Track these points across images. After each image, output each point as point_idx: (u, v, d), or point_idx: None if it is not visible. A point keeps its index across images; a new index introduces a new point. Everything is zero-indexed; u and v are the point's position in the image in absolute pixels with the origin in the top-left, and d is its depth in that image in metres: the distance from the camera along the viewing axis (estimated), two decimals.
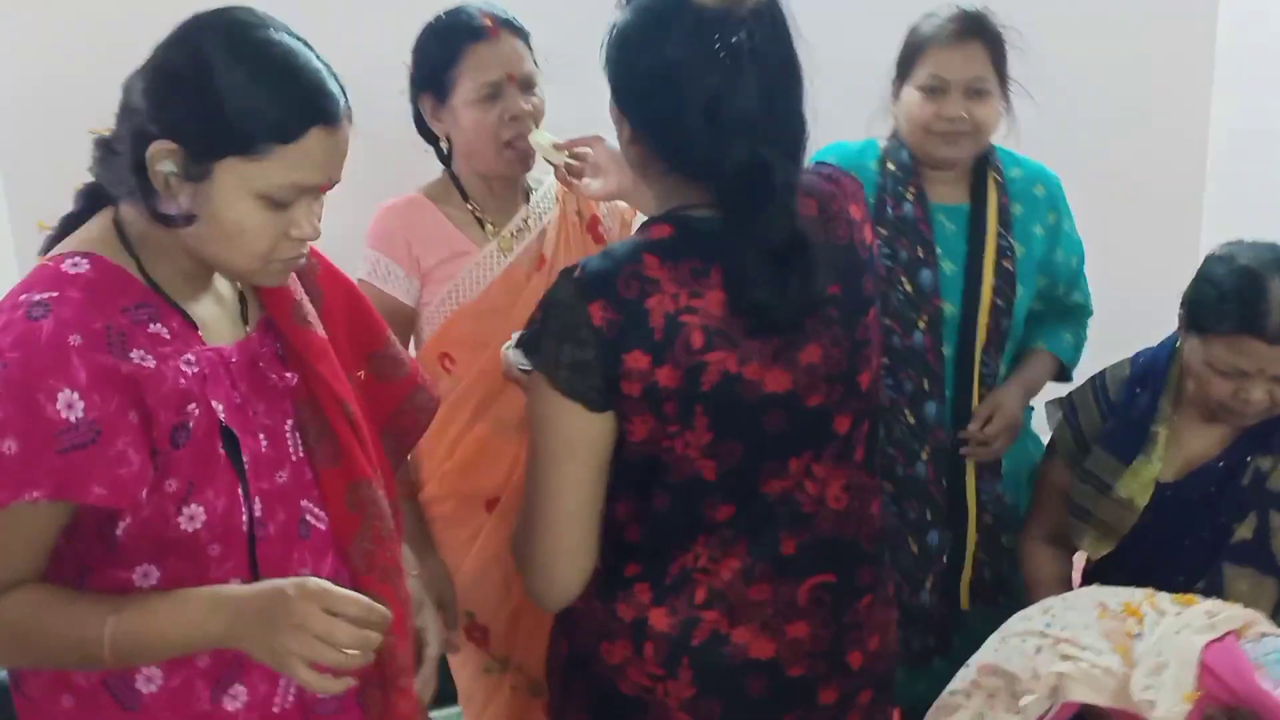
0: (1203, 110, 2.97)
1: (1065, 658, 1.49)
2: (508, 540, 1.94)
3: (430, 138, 2.03)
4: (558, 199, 2.08)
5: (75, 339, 1.13)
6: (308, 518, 1.31)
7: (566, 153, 1.91)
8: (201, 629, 1.18)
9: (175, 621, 1.17)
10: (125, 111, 1.20)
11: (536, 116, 1.95)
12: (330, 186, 1.25)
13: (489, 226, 2.02)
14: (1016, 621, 1.62)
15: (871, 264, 1.44)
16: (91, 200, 1.27)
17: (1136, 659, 1.46)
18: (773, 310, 1.30)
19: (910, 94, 2.11)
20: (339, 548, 1.33)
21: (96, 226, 1.25)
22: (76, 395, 1.11)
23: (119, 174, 1.20)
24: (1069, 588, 1.91)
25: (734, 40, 1.27)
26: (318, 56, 1.22)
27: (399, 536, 1.44)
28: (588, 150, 1.89)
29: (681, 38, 1.28)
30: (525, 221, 2.05)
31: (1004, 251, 2.13)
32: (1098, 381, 1.96)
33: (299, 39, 1.22)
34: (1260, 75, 2.85)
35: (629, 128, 1.37)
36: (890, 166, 2.16)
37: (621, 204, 2.14)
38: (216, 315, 1.30)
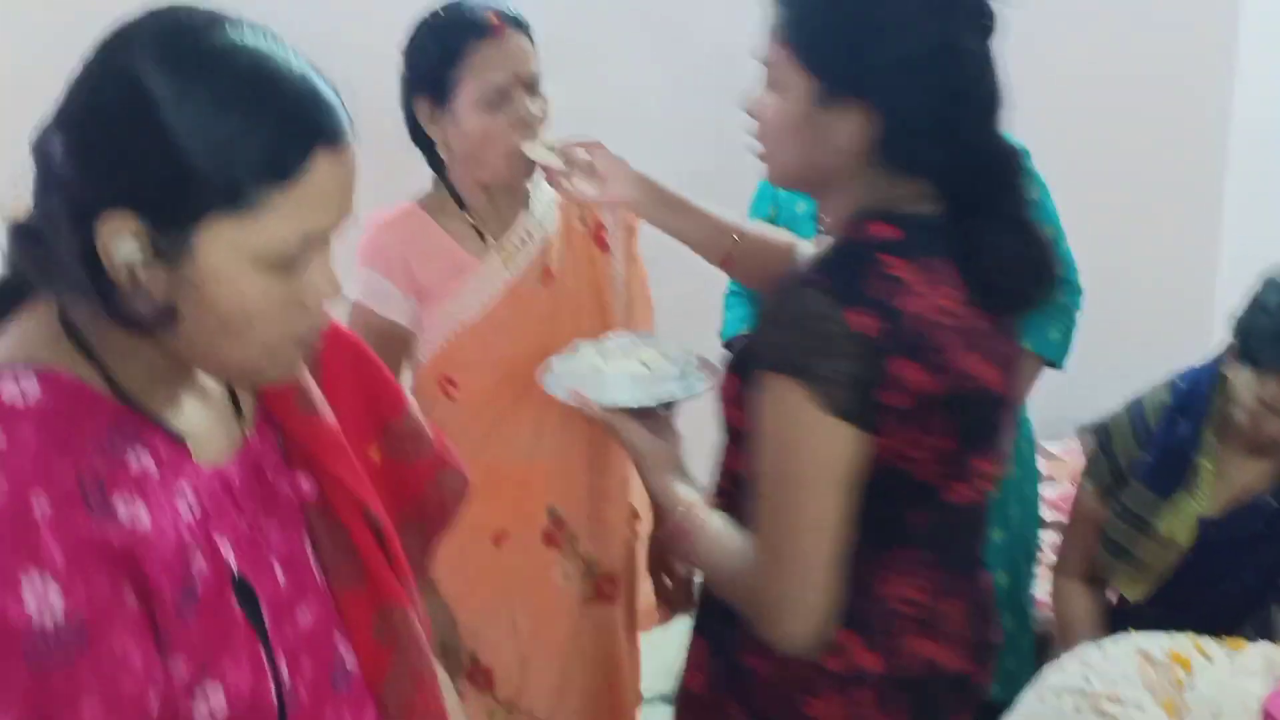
0: (1224, 103, 2.88)
1: (1105, 715, 1.41)
2: (516, 576, 1.89)
3: (423, 143, 1.88)
4: (559, 207, 1.95)
5: (41, 503, 0.81)
6: (342, 660, 1.05)
7: (558, 154, 1.76)
8: None
9: None
10: (46, 182, 0.88)
11: (545, 120, 1.81)
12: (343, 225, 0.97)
13: (489, 238, 1.88)
14: (1053, 675, 1.53)
15: None
16: (10, 293, 0.94)
17: (1187, 709, 1.39)
18: (1023, 302, 1.31)
19: None
20: (372, 693, 1.08)
21: (35, 326, 0.92)
22: (52, 583, 0.80)
23: (56, 268, 0.88)
24: (1106, 628, 1.83)
25: (997, 17, 1.25)
26: (297, 55, 0.91)
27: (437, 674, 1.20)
28: (582, 153, 1.75)
29: (965, 18, 1.23)
30: (528, 232, 1.91)
31: None
32: (1135, 409, 1.86)
33: (267, 35, 0.90)
34: None
35: (859, 115, 1.26)
36: None
37: (627, 213, 2.02)
38: (205, 421, 0.99)
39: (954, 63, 1.22)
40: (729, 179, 2.88)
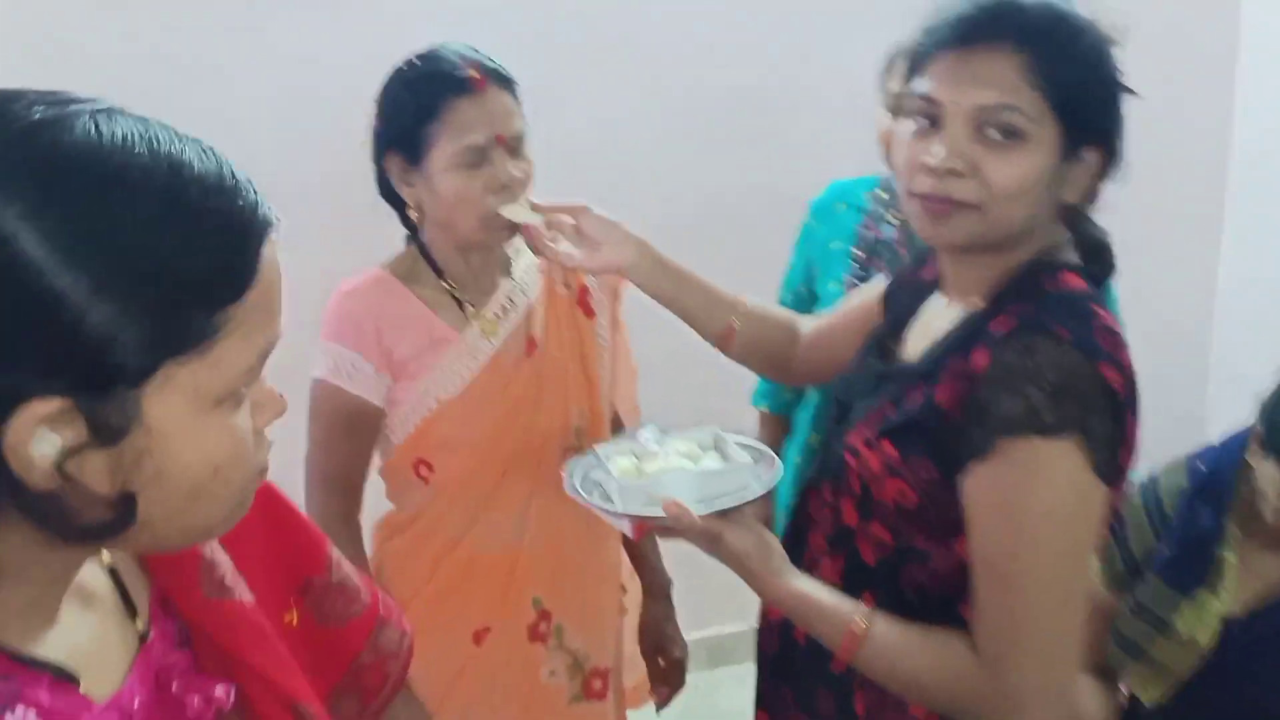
0: (1224, 132, 2.82)
1: None
2: (499, 676, 1.71)
3: (395, 202, 1.72)
4: (541, 271, 1.80)
5: None
6: None
7: (541, 215, 1.62)
8: None
9: None
10: None
11: (526, 183, 1.66)
12: None
13: (469, 307, 1.73)
14: None
15: None
16: None
17: None
18: None
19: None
20: None
21: None
22: None
23: None
24: None
25: None
26: (179, 134, 0.72)
27: None
28: (567, 218, 1.60)
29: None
30: (509, 299, 1.76)
31: None
32: (1149, 494, 1.72)
33: (146, 125, 0.70)
34: None
35: (1095, 162, 1.25)
36: (880, 192, 2.09)
37: (613, 275, 1.87)
38: (93, 634, 0.80)
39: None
40: (711, 225, 2.83)
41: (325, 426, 1.69)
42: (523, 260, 1.80)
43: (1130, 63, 1.25)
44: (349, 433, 1.69)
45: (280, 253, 0.74)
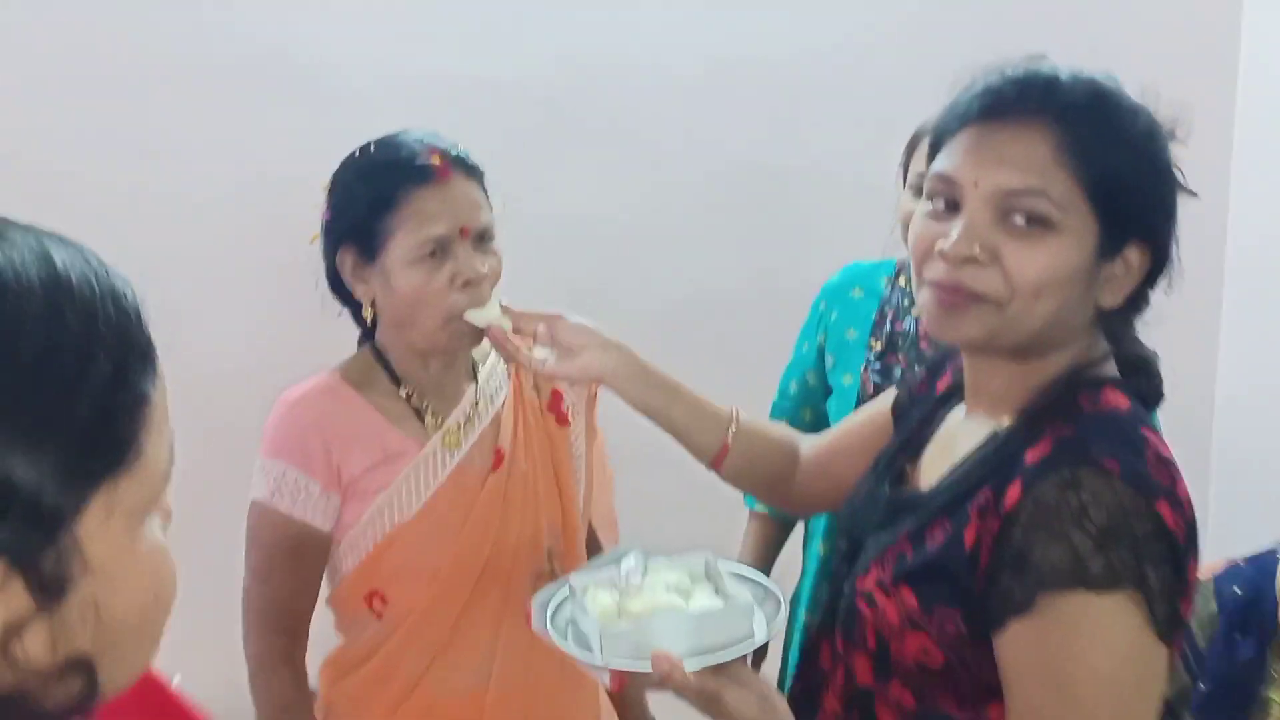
0: (1221, 194, 2.72)
1: None
2: None
3: (348, 300, 1.55)
4: (510, 374, 1.63)
5: None
6: None
7: (509, 318, 1.46)
8: None
9: None
10: None
11: (494, 279, 1.49)
12: None
13: (429, 417, 1.55)
14: None
15: None
16: None
17: None
18: None
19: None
20: None
21: None
22: None
23: None
24: None
25: None
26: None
27: None
28: (541, 326, 1.44)
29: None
30: (474, 407, 1.58)
31: None
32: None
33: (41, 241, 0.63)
34: None
35: (1138, 262, 1.09)
36: (901, 281, 1.96)
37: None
38: None
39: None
40: (705, 312, 2.66)
41: (265, 555, 1.50)
42: (489, 362, 1.63)
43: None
44: (293, 562, 1.50)
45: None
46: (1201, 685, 1.49)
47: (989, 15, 2.54)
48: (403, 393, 1.55)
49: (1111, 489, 0.97)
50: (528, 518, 1.57)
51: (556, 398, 1.66)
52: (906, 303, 1.92)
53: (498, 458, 1.57)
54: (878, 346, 1.91)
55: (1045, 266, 1.03)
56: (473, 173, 1.49)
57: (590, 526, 1.70)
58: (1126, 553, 0.96)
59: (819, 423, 1.97)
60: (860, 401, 1.87)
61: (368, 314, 1.52)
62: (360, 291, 1.50)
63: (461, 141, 1.52)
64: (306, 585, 1.52)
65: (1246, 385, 2.74)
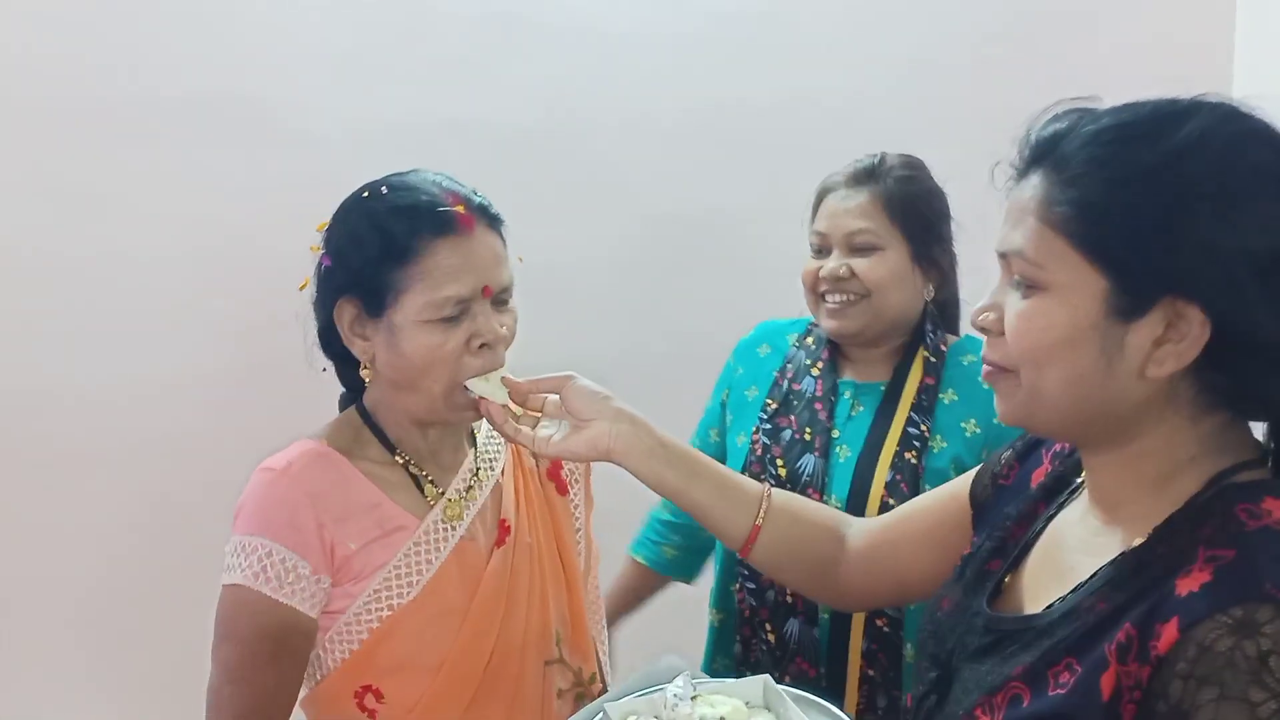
0: None
1: None
2: None
3: (340, 356, 1.39)
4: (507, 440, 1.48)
5: None
6: None
7: (508, 387, 1.33)
8: None
9: None
10: None
11: (510, 340, 1.36)
12: None
13: (429, 486, 1.39)
14: None
15: None
16: None
17: None
18: None
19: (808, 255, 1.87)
20: None
21: None
22: None
23: None
24: None
25: None
26: None
27: None
28: (553, 398, 1.32)
29: None
30: (475, 474, 1.43)
31: (909, 441, 1.75)
32: None
33: None
34: None
35: (1205, 331, 0.90)
36: (809, 340, 1.92)
37: None
38: None
39: None
40: (671, 358, 2.54)
41: (244, 648, 1.30)
42: (486, 425, 1.47)
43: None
44: (275, 655, 1.30)
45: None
46: None
47: (976, 60, 2.52)
48: (398, 459, 1.38)
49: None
50: (535, 597, 1.42)
51: (556, 464, 1.52)
52: (809, 362, 1.87)
53: (503, 530, 1.41)
54: (772, 406, 1.85)
55: (1037, 331, 0.94)
56: (495, 223, 1.34)
57: None
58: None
59: None
60: (748, 465, 1.79)
61: (366, 374, 1.36)
62: (359, 348, 1.34)
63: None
64: (288, 683, 1.33)
65: None
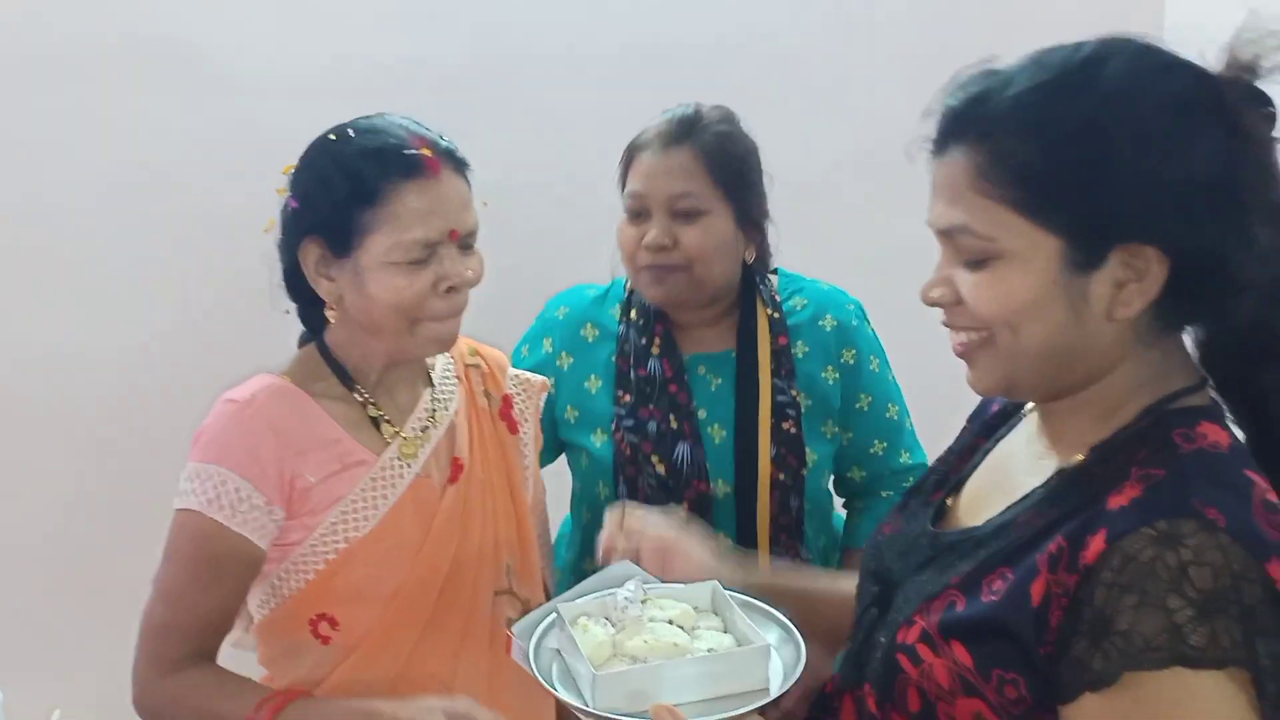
0: None
1: None
2: None
3: (303, 294, 1.42)
4: (460, 377, 1.53)
5: None
6: None
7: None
8: None
9: None
10: None
11: (477, 281, 1.40)
12: None
13: (385, 425, 1.43)
14: None
15: None
16: None
17: None
18: None
19: (622, 217, 1.74)
20: None
21: None
22: None
23: None
24: None
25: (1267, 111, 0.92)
26: None
27: None
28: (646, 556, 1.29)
29: (1247, 114, 0.91)
30: (432, 415, 1.48)
31: (782, 410, 1.72)
32: None
33: None
34: None
35: (1163, 269, 0.91)
36: (634, 314, 1.78)
37: (535, 377, 1.63)
38: None
39: (1243, 164, 0.90)
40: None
41: (185, 570, 1.34)
42: (441, 365, 1.52)
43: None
44: (215, 581, 1.35)
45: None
46: None
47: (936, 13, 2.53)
48: (359, 398, 1.42)
49: (1217, 546, 0.83)
50: (487, 531, 1.48)
51: (508, 403, 1.57)
52: (644, 341, 1.76)
53: (456, 468, 1.46)
54: (627, 399, 1.74)
55: (1002, 299, 0.95)
56: (461, 167, 1.38)
57: None
58: (1234, 623, 0.82)
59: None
60: (618, 467, 1.73)
61: (332, 314, 1.40)
62: (325, 289, 1.37)
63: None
64: (223, 610, 1.36)
65: None
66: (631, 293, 1.80)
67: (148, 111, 2.27)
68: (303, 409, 1.38)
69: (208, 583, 1.35)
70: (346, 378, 1.43)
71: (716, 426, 1.74)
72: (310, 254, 1.36)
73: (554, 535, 1.78)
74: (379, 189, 1.31)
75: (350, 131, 1.35)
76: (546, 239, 2.46)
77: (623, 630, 1.14)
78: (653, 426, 1.72)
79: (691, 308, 1.74)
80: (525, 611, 1.50)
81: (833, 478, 1.84)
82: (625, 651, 1.12)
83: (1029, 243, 0.92)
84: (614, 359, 1.77)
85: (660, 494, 1.71)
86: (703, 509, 1.70)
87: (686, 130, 1.68)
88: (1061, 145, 0.90)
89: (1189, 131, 0.89)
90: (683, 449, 1.72)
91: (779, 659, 1.11)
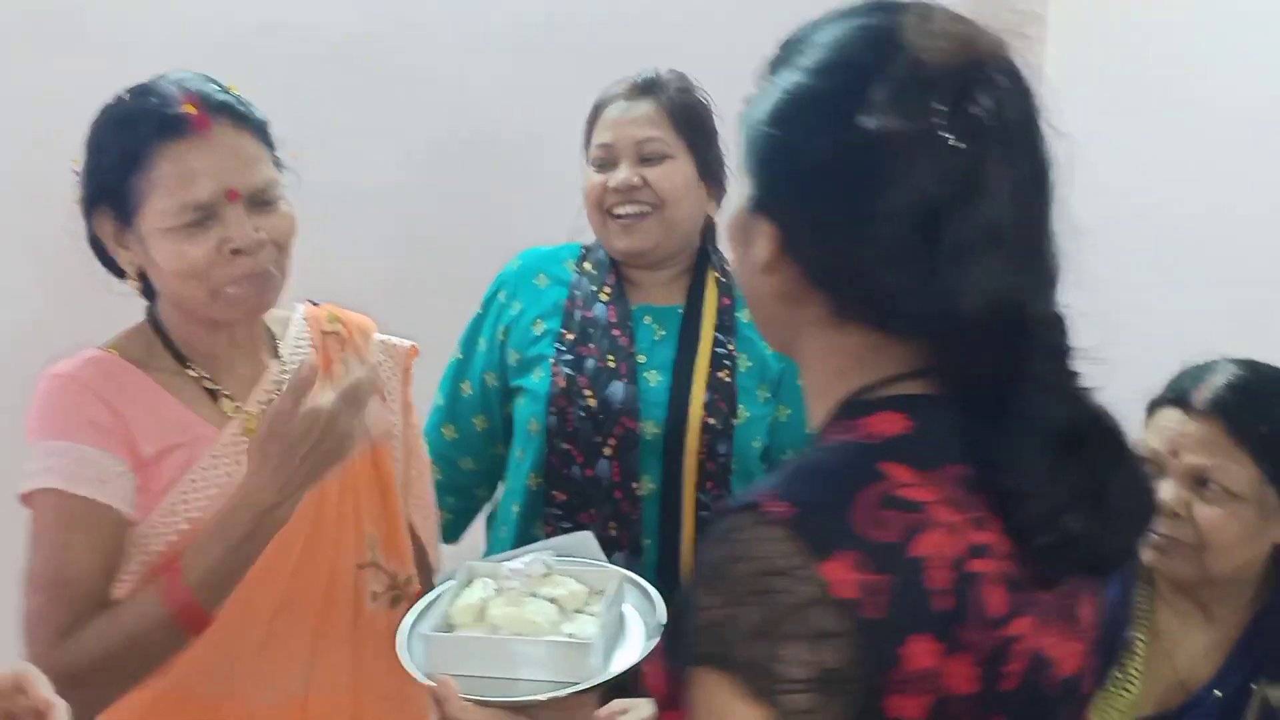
0: None
1: None
2: None
3: (113, 267, 1.36)
4: (315, 346, 1.47)
5: None
6: None
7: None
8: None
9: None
10: None
11: (279, 241, 1.32)
12: None
13: (225, 399, 1.36)
14: None
15: None
16: None
17: None
18: (1080, 548, 0.81)
19: (588, 172, 1.82)
20: None
21: None
22: None
23: None
24: None
25: (973, 112, 0.80)
26: None
27: None
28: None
29: (891, 103, 0.79)
30: (277, 385, 1.40)
31: (720, 361, 1.78)
32: None
33: None
34: None
35: (775, 244, 0.85)
36: (587, 265, 1.86)
37: (403, 342, 1.56)
38: None
39: (887, 171, 0.79)
40: (448, 280, 2.41)
41: (58, 552, 1.28)
42: (291, 335, 1.46)
43: None
44: (91, 550, 1.28)
45: None
46: None
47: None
48: (192, 373, 1.36)
49: (757, 540, 0.76)
50: (347, 506, 1.42)
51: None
52: (594, 288, 1.82)
53: None
54: (569, 337, 1.79)
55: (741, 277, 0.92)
56: (244, 122, 1.31)
57: (410, 520, 1.54)
58: (738, 623, 0.75)
59: (493, 433, 1.84)
60: (553, 400, 1.76)
61: (134, 285, 1.35)
62: (124, 259, 1.33)
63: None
64: (107, 573, 1.30)
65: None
66: (587, 250, 1.86)
67: (20, 75, 2.19)
68: (128, 380, 1.33)
69: (82, 555, 1.29)
70: (178, 352, 1.36)
71: (654, 373, 1.77)
72: (104, 225, 1.32)
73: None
74: (144, 152, 1.26)
75: (125, 95, 1.30)
76: (463, 205, 2.40)
77: (496, 599, 1.15)
78: (590, 363, 1.76)
79: (657, 258, 1.80)
80: (392, 584, 1.46)
81: (765, 453, 1.83)
82: (487, 619, 1.13)
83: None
84: (563, 302, 1.82)
85: (588, 427, 1.74)
86: (629, 448, 1.73)
87: (650, 87, 1.80)
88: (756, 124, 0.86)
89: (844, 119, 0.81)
90: (616, 387, 1.75)
91: (612, 660, 1.11)
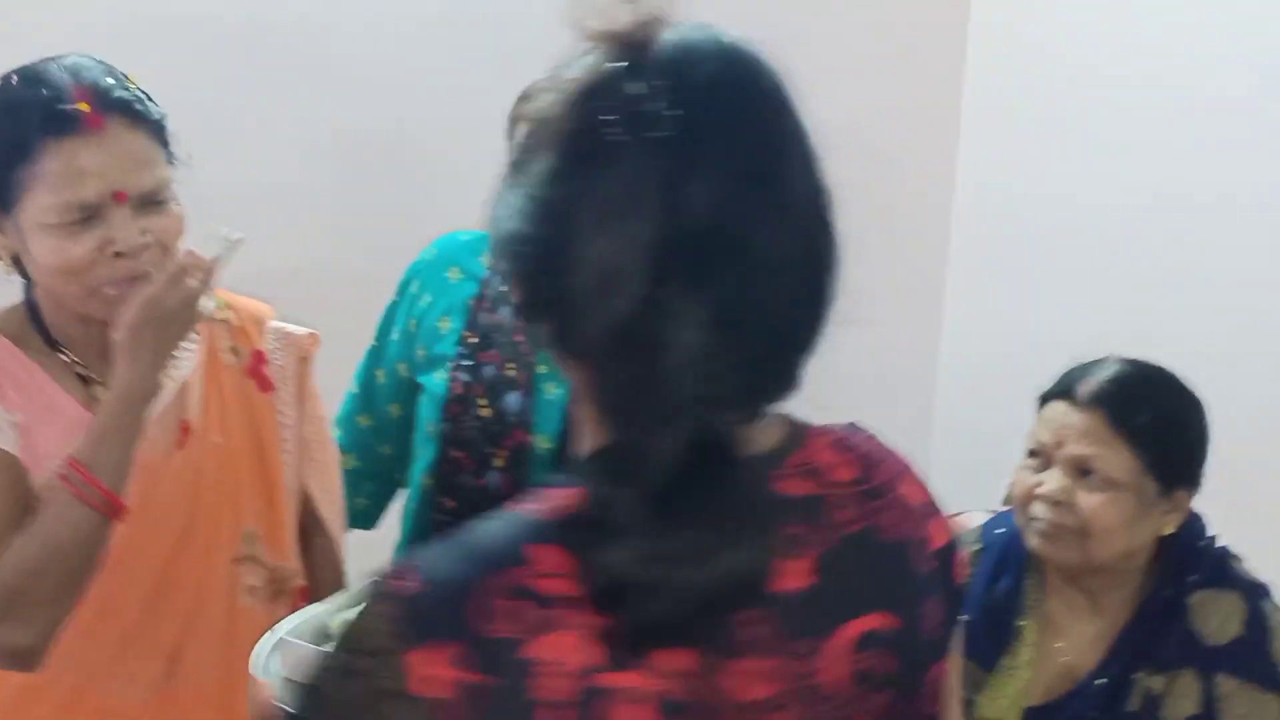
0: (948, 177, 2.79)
1: None
2: None
3: None
4: (199, 334, 1.43)
5: None
6: None
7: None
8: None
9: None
10: None
11: (165, 242, 1.28)
12: None
13: (98, 387, 1.33)
14: None
15: (942, 586, 0.83)
16: None
17: None
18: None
19: None
20: None
21: None
22: None
23: None
24: None
25: (644, 125, 0.70)
26: None
27: None
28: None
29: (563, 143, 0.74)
30: None
31: None
32: None
33: None
34: (1007, 137, 2.65)
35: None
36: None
37: (301, 330, 1.53)
38: None
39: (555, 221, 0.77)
40: (359, 271, 2.30)
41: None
42: None
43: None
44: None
45: None
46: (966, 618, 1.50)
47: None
48: (64, 358, 1.33)
49: (370, 614, 0.69)
50: (225, 499, 1.39)
51: (258, 359, 1.47)
52: (505, 288, 1.73)
53: (183, 432, 1.37)
54: (472, 340, 1.72)
55: None
56: (139, 120, 1.26)
57: (316, 513, 1.53)
58: (334, 700, 0.70)
59: (409, 419, 1.78)
60: (448, 406, 1.71)
61: (7, 270, 1.31)
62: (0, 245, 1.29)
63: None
64: (11, 513, 1.27)
65: (969, 354, 2.82)
66: None
67: None
68: (11, 356, 1.30)
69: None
70: (50, 337, 1.33)
71: (553, 385, 1.70)
72: None
73: None
74: (30, 145, 1.22)
75: (14, 79, 1.26)
76: (365, 197, 2.37)
77: None
78: (489, 370, 1.70)
79: None
80: (273, 579, 1.43)
81: None
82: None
83: None
84: (470, 300, 1.75)
85: (481, 438, 1.69)
86: (521, 460, 1.68)
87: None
88: None
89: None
90: (512, 398, 1.69)
91: None
